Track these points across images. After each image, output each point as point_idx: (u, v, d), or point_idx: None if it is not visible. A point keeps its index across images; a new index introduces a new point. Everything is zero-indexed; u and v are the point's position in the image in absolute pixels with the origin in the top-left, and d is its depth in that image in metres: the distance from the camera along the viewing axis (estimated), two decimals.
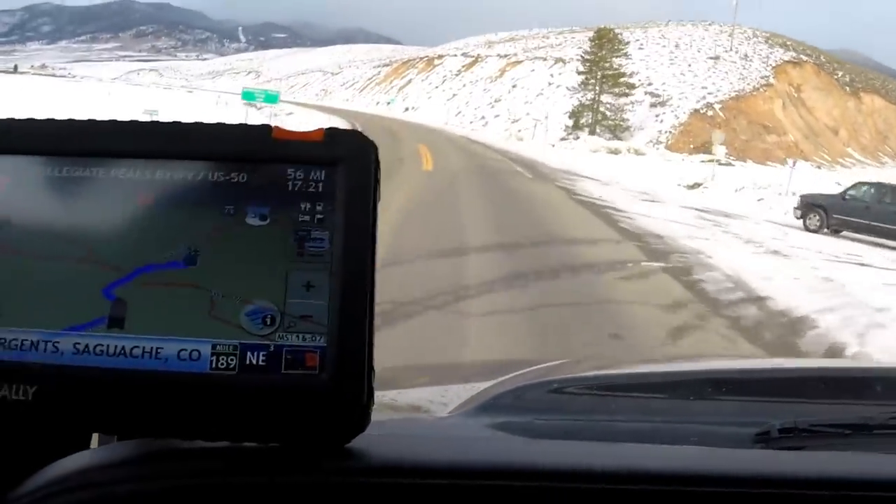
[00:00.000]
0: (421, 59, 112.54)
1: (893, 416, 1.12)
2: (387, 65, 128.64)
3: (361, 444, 0.67)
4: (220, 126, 0.69)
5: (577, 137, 50.78)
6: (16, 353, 0.63)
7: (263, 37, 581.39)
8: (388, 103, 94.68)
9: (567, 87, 63.62)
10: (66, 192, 0.67)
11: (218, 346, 0.63)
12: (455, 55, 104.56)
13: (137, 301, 0.64)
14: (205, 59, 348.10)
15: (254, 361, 0.63)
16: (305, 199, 0.66)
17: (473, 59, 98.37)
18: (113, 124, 0.70)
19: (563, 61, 79.90)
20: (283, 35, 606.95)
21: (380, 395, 1.58)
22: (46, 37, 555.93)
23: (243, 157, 0.67)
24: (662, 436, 1.08)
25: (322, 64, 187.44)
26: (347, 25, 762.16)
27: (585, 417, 1.25)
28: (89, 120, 0.70)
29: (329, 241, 0.65)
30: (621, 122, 54.38)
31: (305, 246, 0.65)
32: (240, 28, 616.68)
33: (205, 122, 0.70)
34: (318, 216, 0.65)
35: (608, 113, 54.49)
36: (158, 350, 0.63)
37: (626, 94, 54.76)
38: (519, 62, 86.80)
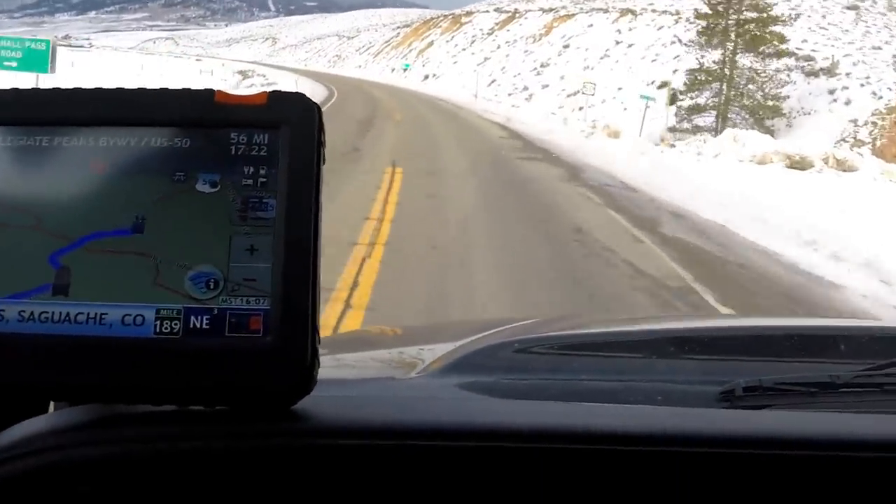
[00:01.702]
0: (445, 16, 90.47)
1: (859, 374, 1.11)
2: (407, 26, 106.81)
3: (308, 406, 0.66)
4: (163, 91, 0.68)
5: (697, 128, 28.57)
6: None
7: (294, 5, 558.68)
8: (404, 69, 72.94)
9: (678, 42, 39.56)
10: (12, 161, 0.66)
11: (162, 311, 0.62)
12: (487, 11, 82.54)
13: (83, 268, 0.63)
14: (228, 28, 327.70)
15: (198, 325, 0.62)
16: (249, 162, 0.65)
17: (510, 14, 76.27)
18: (54, 92, 0.69)
19: (633, 13, 57.78)
20: (313, 3, 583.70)
21: (349, 357, 1.48)
22: (75, 7, 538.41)
23: (187, 122, 0.66)
24: (627, 395, 1.09)
25: (341, 29, 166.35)
26: None
27: (551, 377, 1.22)
28: (32, 88, 0.69)
29: (272, 205, 0.64)
30: (771, 103, 29.74)
31: (249, 210, 0.64)
32: None
33: (148, 87, 0.69)
34: (262, 180, 0.65)
35: (750, 87, 30.16)
36: (103, 316, 0.62)
37: (780, 54, 30.12)
38: (570, 16, 64.70)
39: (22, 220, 0.64)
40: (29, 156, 0.66)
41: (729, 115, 29.63)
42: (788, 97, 30.10)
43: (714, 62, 30.48)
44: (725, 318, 3.42)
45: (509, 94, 51.07)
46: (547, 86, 49.95)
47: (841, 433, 0.72)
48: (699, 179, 14.38)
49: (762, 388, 1.03)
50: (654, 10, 56.25)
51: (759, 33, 29.56)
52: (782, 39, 29.88)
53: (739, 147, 22.55)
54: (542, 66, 55.31)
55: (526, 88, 51.43)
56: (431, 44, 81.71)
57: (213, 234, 0.64)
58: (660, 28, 51.05)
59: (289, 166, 0.65)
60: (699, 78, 30.07)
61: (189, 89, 0.68)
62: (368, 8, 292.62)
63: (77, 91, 0.68)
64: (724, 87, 29.93)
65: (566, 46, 57.02)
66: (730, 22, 30.20)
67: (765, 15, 29.74)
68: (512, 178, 12.70)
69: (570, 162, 15.31)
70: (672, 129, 29.52)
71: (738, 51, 30.03)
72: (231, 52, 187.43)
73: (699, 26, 32.21)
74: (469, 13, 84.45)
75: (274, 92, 0.68)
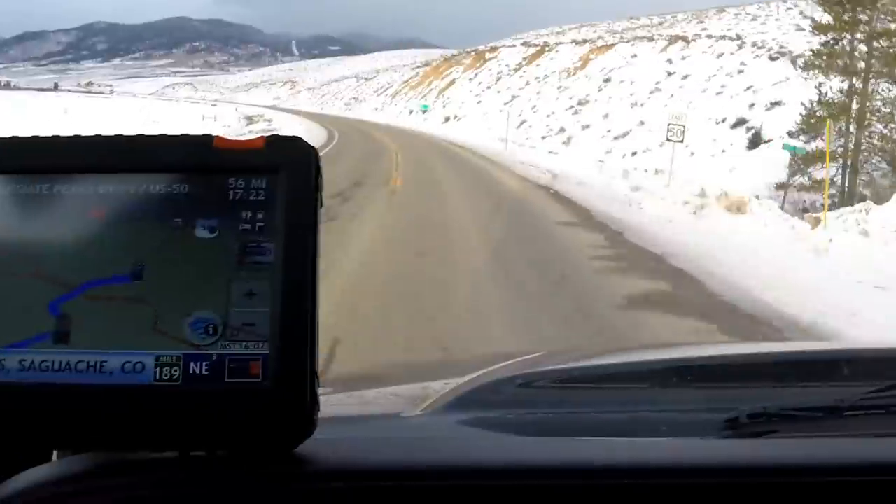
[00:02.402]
0: (468, 53, 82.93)
1: (863, 397, 1.11)
2: (427, 65, 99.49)
3: (309, 449, 0.66)
4: (161, 137, 0.68)
5: (816, 183, 19.70)
6: None
7: (318, 49, 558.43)
8: (423, 111, 65.10)
9: (792, 65, 29.55)
10: (11, 209, 0.66)
11: (162, 358, 0.62)
12: (513, 45, 75.01)
13: (82, 316, 0.63)
14: (250, 72, 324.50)
15: (197, 371, 0.62)
16: (247, 207, 0.65)
17: (539, 48, 68.68)
18: (53, 140, 0.69)
19: (685, 40, 49.79)
20: (337, 47, 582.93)
21: (351, 395, 1.49)
22: (101, 55, 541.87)
23: (186, 168, 0.66)
24: (632, 426, 1.09)
25: (360, 71, 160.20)
26: (403, 36, 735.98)
27: (554, 410, 1.22)
28: (31, 136, 0.69)
29: (271, 250, 0.64)
30: None
31: (247, 255, 0.64)
32: (293, 42, 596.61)
33: (146, 133, 0.70)
34: (260, 224, 0.65)
35: (890, 124, 20.76)
36: (103, 364, 0.62)
37: None
38: (609, 46, 56.85)
39: (22, 267, 0.64)
40: (28, 204, 0.66)
41: (861, 164, 20.85)
42: None
43: (838, 93, 21.34)
44: (727, 346, 3.39)
45: (543, 137, 43.03)
46: (588, 126, 41.78)
47: (846, 458, 0.71)
48: None
49: (767, 415, 1.01)
50: (709, 36, 48.22)
51: None
52: None
53: None
54: (579, 103, 47.23)
55: (563, 130, 43.28)
56: (453, 82, 74.15)
57: (212, 280, 0.63)
58: (720, 55, 42.90)
59: (286, 210, 0.64)
60: (816, 113, 21.12)
61: (187, 135, 0.68)
62: (391, 50, 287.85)
63: (76, 138, 0.68)
64: (849, 125, 20.92)
65: (607, 80, 48.96)
66: (857, 37, 21.41)
67: None
68: None
69: (729, 298, 6.93)
70: (782, 186, 21.00)
71: (872, 75, 21.13)
72: (249, 97, 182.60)
73: (809, 48, 23.21)
74: (494, 48, 77.04)
75: (271, 136, 0.67)
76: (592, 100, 46.68)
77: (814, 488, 0.67)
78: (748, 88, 34.94)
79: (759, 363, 1.51)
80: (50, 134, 0.69)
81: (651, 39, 53.31)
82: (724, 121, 32.42)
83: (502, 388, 1.31)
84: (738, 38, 44.85)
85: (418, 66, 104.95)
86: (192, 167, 0.66)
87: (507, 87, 61.45)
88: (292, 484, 0.65)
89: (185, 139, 0.68)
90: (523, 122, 48.63)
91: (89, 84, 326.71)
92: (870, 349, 1.71)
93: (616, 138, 37.08)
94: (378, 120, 69.07)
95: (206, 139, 0.67)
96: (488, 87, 64.93)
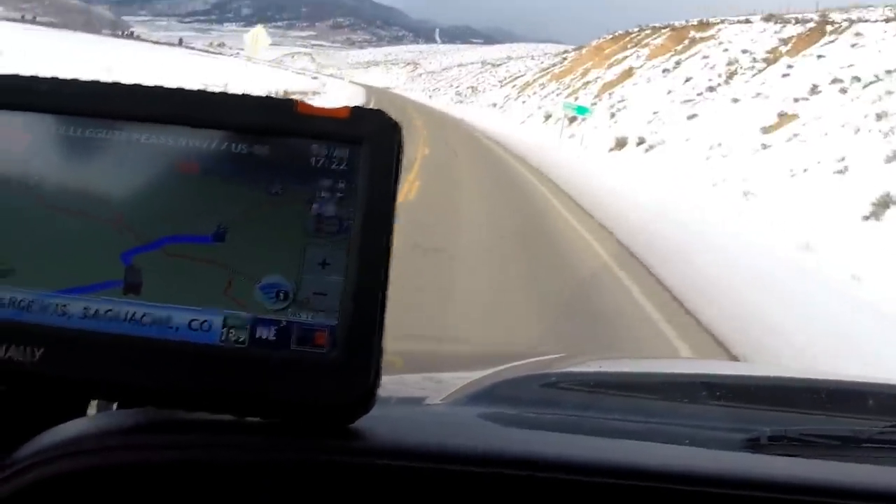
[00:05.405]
0: (654, 29, 48.36)
1: (883, 430, 1.10)
2: (579, 48, 65.40)
3: (365, 425, 0.64)
4: (244, 97, 0.65)
5: None
6: (25, 313, 0.60)
7: (459, 39, 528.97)
8: (579, 116, 31.05)
9: None
10: (91, 154, 0.63)
11: (229, 319, 0.60)
12: (746, 20, 40.20)
13: (154, 270, 0.60)
14: (372, 49, 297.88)
15: (264, 336, 0.60)
16: (328, 176, 0.62)
17: (815, 25, 33.76)
18: (136, 88, 0.65)
19: None
20: (479, 40, 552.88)
21: None
22: (244, 19, 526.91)
23: (268, 130, 0.63)
24: (653, 436, 1.05)
25: (490, 58, 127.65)
26: (546, 35, 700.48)
27: (577, 413, 1.18)
28: (113, 82, 0.66)
29: (349, 221, 0.62)
30: None
31: (325, 224, 0.62)
32: (437, 29, 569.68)
33: (230, 92, 0.66)
34: (339, 194, 0.62)
35: None
36: (169, 319, 0.60)
37: None
38: None
39: (103, 212, 0.61)
40: (103, 149, 0.63)
41: None
42: None
43: None
44: (756, 367, 3.37)
45: None
46: None
47: (867, 484, 0.70)
48: None
49: (787, 439, 1.00)
50: None
51: None
52: None
53: None
54: None
55: None
56: (630, 73, 39.81)
57: (288, 246, 0.61)
58: None
59: (367, 182, 0.62)
60: None
61: (271, 97, 0.66)
62: (532, 42, 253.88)
63: (160, 88, 0.65)
64: None
65: None
66: None
67: None
68: None
69: None
70: None
71: None
72: (367, 75, 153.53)
73: None
74: (705, 25, 42.14)
75: (357, 107, 0.65)
76: None
77: None
78: None
79: (787, 387, 1.46)
80: (131, 82, 0.66)
81: None
82: None
83: (525, 385, 1.27)
84: None
85: (566, 52, 71.10)
86: (275, 129, 0.63)
87: (757, 92, 26.91)
88: (349, 458, 0.61)
89: (267, 101, 0.64)
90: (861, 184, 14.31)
91: (220, 45, 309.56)
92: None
93: None
94: (492, 127, 36.29)
95: (290, 103, 0.64)
96: (710, 90, 30.59)
